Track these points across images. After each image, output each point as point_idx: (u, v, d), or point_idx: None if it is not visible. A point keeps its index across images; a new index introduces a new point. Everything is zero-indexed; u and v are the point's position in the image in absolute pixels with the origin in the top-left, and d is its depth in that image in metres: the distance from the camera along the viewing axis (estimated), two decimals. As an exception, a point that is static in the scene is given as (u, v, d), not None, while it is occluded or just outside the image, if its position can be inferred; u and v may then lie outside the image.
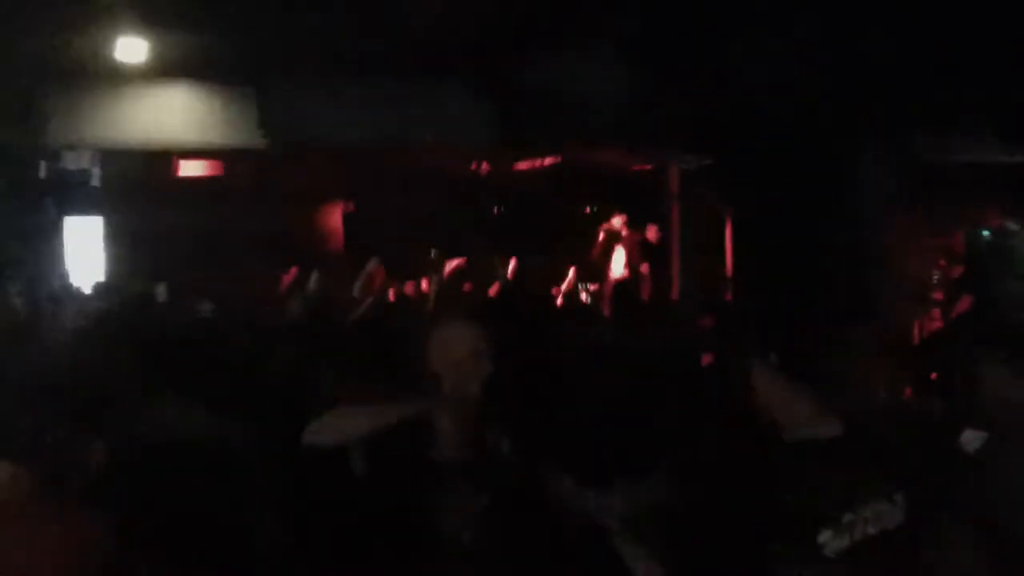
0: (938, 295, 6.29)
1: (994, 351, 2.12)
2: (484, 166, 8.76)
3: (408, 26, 4.94)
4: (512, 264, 6.97)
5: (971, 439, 2.01)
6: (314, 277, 5.27)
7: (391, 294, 6.44)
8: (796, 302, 4.78)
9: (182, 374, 2.64)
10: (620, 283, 6.75)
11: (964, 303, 5.64)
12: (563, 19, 4.74)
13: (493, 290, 7.02)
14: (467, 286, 6.94)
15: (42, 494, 1.81)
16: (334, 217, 10.61)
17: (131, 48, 5.25)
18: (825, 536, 1.36)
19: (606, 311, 5.84)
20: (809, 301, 4.64)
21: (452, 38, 5.00)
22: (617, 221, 7.49)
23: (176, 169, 8.08)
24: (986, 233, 7.05)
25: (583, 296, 6.85)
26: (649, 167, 8.49)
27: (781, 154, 5.34)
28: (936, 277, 6.59)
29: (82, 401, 2.31)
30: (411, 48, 5.32)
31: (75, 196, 8.35)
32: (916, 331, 6.23)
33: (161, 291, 4.81)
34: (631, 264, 7.29)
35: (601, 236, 7.79)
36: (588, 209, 9.73)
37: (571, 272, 7.31)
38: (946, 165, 6.39)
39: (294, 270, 7.73)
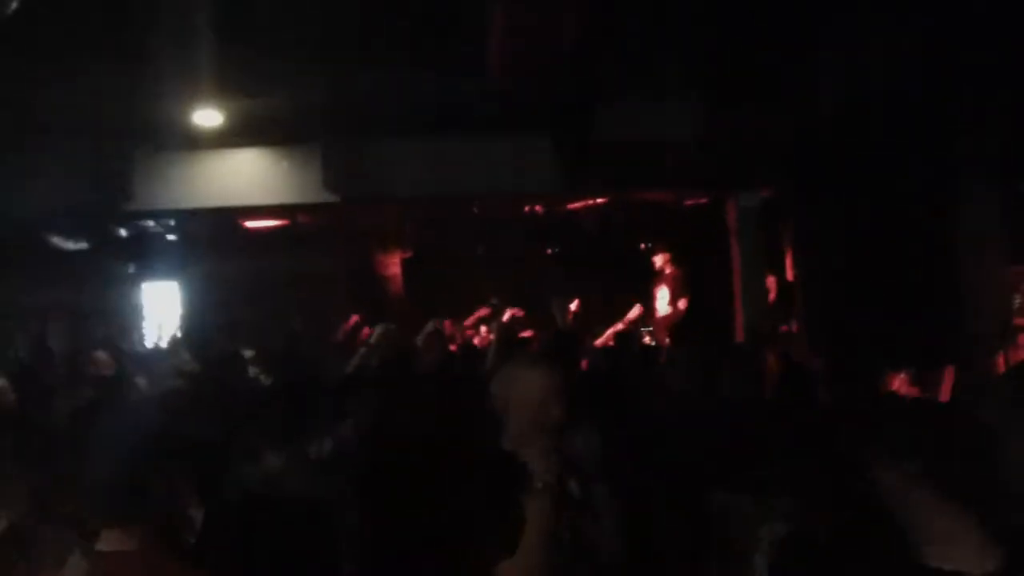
0: (1022, 322, 6.00)
1: None
2: (538, 209, 8.85)
3: (466, 80, 5.10)
4: (573, 306, 7.01)
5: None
6: (379, 329, 5.37)
7: (455, 342, 6.53)
8: (871, 342, 4.64)
9: (274, 430, 2.72)
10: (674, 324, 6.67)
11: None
12: (620, 62, 4.80)
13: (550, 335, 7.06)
14: (528, 333, 6.97)
15: (152, 552, 1.88)
16: (394, 263, 10.87)
17: (206, 116, 5.57)
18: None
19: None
20: (883, 340, 4.49)
21: (511, 91, 5.14)
22: (659, 259, 7.44)
23: (245, 226, 8.42)
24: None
25: (645, 337, 6.79)
26: (704, 201, 8.46)
27: (853, 185, 5.25)
28: (1019, 303, 6.30)
29: (183, 458, 2.41)
30: (472, 100, 5.48)
31: (153, 257, 8.79)
32: (1002, 362, 5.93)
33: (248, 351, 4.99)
34: (673, 301, 7.24)
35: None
36: (643, 246, 9.71)
37: (635, 309, 7.27)
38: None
39: (354, 318, 7.98)
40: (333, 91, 5.18)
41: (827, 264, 6.07)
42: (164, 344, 7.96)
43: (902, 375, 5.88)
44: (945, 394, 6.67)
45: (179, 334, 8.35)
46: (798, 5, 3.88)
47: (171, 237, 8.72)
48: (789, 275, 8.73)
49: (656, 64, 4.60)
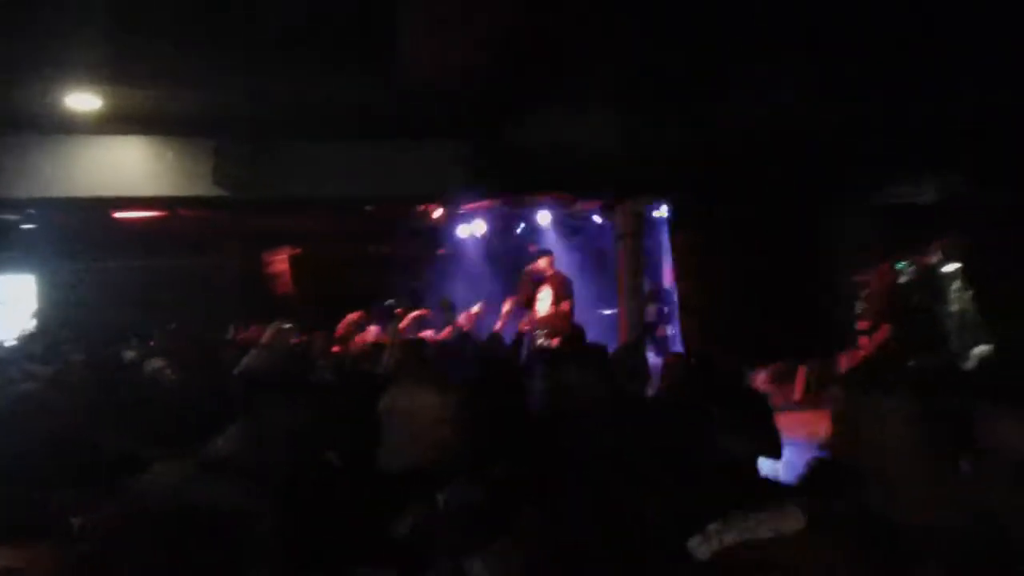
0: (863, 325, 6.76)
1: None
2: (431, 210, 8.93)
3: (366, 83, 5.10)
4: (475, 308, 7.20)
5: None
6: (271, 329, 5.26)
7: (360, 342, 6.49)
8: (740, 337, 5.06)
9: (167, 435, 2.66)
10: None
11: (882, 333, 6.09)
12: (524, 71, 4.92)
13: (445, 335, 7.17)
14: (428, 334, 7.04)
15: (42, 567, 1.84)
16: (281, 260, 10.57)
17: (83, 101, 5.22)
18: (694, 542, 1.56)
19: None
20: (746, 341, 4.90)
21: (411, 95, 5.19)
22: (543, 262, 7.73)
23: (118, 219, 7.92)
24: (903, 265, 7.66)
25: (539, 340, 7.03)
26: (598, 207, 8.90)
27: (728, 198, 5.71)
28: (860, 309, 7.09)
29: (77, 467, 2.32)
30: (372, 103, 5.48)
31: (10, 248, 8.08)
32: (843, 362, 6.66)
33: (130, 351, 4.73)
34: (556, 302, 7.52)
35: (524, 277, 7.99)
36: (533, 247, 10.04)
37: (506, 304, 7.54)
38: (879, 206, 6.97)
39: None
40: (231, 88, 5.02)
41: (700, 269, 6.57)
42: (12, 342, 7.38)
43: (762, 373, 6.48)
44: (798, 390, 7.41)
45: (31, 332, 7.73)
46: (703, 29, 4.14)
47: (32, 227, 8.05)
48: (666, 279, 9.35)
49: (560, 75, 4.79)
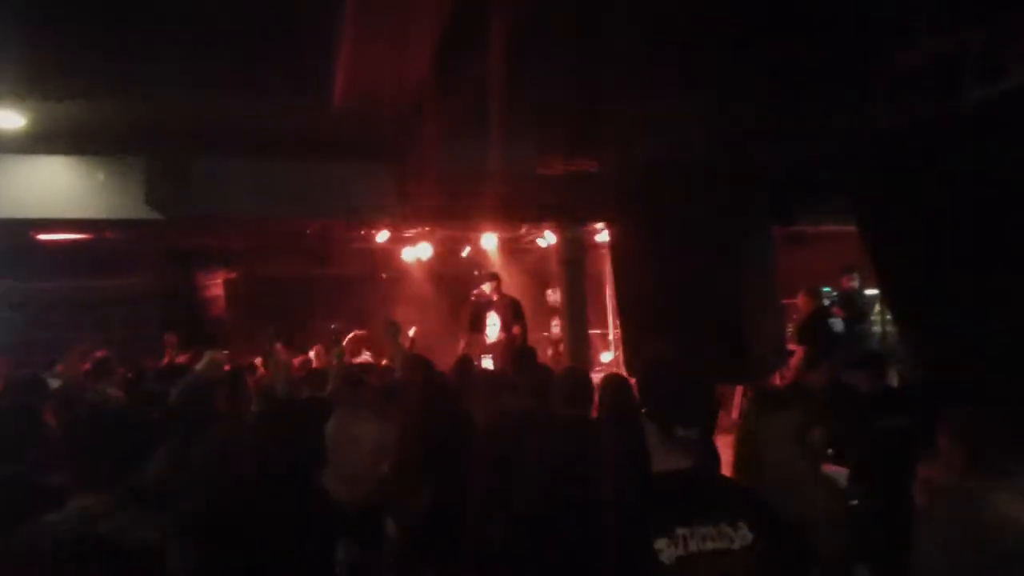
0: (792, 347, 7.05)
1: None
2: (374, 237, 8.87)
3: (303, 104, 5.07)
4: (411, 332, 7.11)
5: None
6: (207, 357, 5.10)
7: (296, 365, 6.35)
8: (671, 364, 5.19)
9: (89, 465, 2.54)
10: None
11: (798, 354, 6.37)
12: (466, 100, 5.00)
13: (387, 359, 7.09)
14: (366, 357, 6.96)
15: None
16: (215, 284, 10.28)
17: (5, 118, 5.00)
18: (660, 543, 1.62)
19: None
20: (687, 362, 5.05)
21: (349, 118, 5.18)
22: (487, 286, 7.74)
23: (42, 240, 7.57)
24: (827, 290, 8.03)
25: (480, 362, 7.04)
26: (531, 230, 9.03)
27: (661, 219, 5.88)
28: (790, 330, 7.40)
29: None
30: (308, 124, 5.45)
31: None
32: (777, 381, 6.91)
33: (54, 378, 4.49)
34: (505, 327, 7.53)
35: (472, 301, 8.00)
36: (477, 272, 10.09)
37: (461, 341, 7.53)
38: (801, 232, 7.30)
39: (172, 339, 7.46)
40: (162, 103, 4.90)
41: (638, 291, 6.72)
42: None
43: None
44: (735, 409, 7.63)
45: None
46: (633, 68, 4.29)
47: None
48: (608, 302, 9.52)
49: (501, 104, 4.88)
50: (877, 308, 8.06)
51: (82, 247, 7.91)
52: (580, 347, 7.55)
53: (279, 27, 3.92)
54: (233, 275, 10.35)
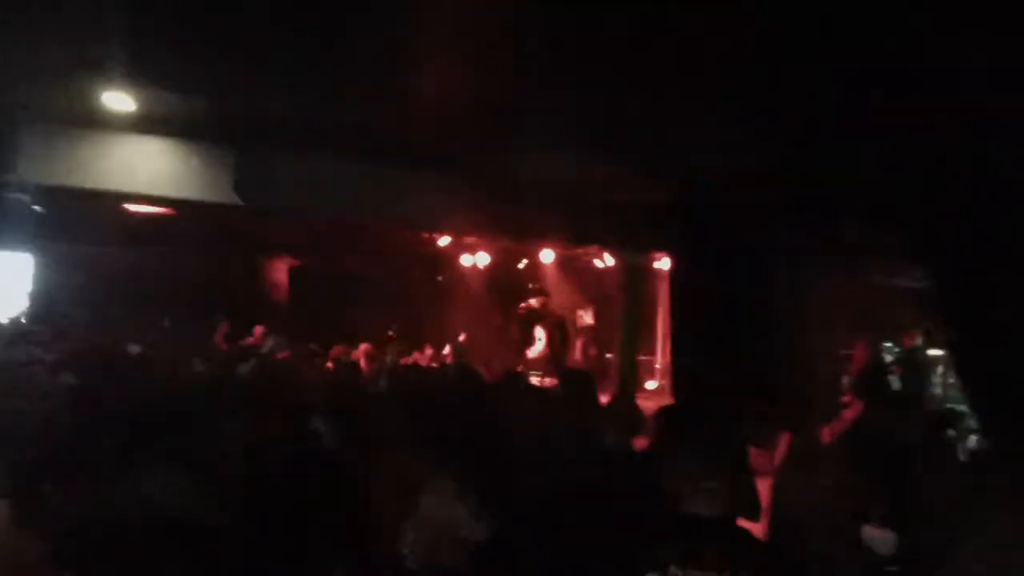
0: (846, 399, 6.89)
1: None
2: (435, 240, 9.04)
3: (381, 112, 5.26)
4: (461, 338, 7.26)
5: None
6: (271, 340, 5.32)
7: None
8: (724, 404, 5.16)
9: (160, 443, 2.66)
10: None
11: (854, 409, 6.21)
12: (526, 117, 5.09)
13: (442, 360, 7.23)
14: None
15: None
16: (280, 270, 10.64)
17: (115, 100, 5.37)
18: None
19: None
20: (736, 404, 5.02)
21: (426, 128, 5.35)
22: (535, 301, 7.79)
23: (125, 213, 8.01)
24: (889, 346, 7.82)
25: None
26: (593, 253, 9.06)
27: (722, 259, 5.86)
28: (845, 383, 7.23)
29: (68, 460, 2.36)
30: (382, 131, 5.64)
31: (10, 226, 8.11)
32: (825, 435, 6.77)
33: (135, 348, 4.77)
34: (552, 345, 7.58)
35: (520, 314, 8.05)
36: (531, 286, 10.19)
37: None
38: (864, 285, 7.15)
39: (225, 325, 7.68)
40: (254, 99, 5.18)
41: (694, 325, 6.69)
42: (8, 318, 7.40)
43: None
44: (778, 457, 7.49)
45: (29, 311, 7.71)
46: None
47: (39, 208, 8.10)
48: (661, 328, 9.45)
49: (570, 127, 4.95)
50: (939, 370, 7.80)
51: (157, 223, 8.31)
52: (630, 372, 7.56)
53: (364, 33, 4.08)
54: (297, 264, 10.71)
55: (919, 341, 7.61)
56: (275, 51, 4.37)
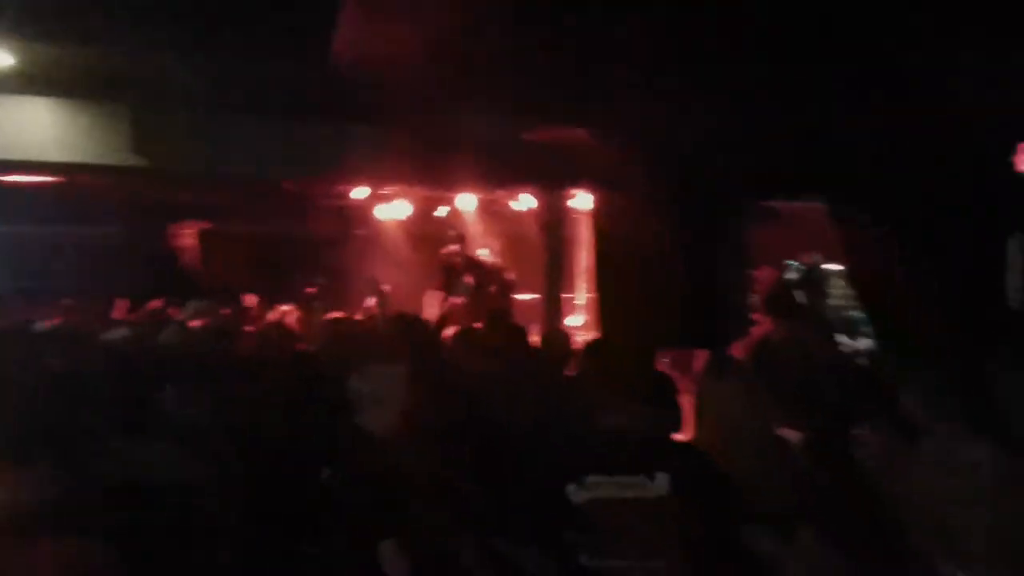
0: (757, 317, 7.39)
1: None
2: (348, 194, 8.87)
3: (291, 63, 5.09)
4: (385, 288, 7.24)
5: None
6: (192, 306, 5.16)
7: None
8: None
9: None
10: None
11: (764, 325, 6.69)
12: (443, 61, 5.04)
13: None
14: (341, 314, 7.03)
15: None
16: (189, 235, 10.20)
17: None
18: (571, 488, 1.91)
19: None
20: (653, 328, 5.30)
21: (339, 79, 5.21)
22: (460, 247, 7.83)
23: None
24: (792, 264, 8.37)
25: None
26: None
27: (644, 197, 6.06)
28: (754, 301, 7.73)
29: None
30: (297, 84, 5.47)
31: None
32: (737, 351, 7.25)
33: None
34: (477, 288, 7.65)
35: (443, 262, 8.05)
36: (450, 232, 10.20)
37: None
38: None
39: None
40: (151, 53, 4.87)
41: (611, 259, 6.92)
42: None
43: (664, 359, 6.94)
44: (696, 372, 7.96)
45: None
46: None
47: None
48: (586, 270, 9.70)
49: (487, 73, 4.93)
50: (838, 283, 8.42)
51: (53, 192, 7.78)
52: (555, 310, 7.80)
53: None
54: (207, 226, 10.28)
55: (817, 258, 8.20)
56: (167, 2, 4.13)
